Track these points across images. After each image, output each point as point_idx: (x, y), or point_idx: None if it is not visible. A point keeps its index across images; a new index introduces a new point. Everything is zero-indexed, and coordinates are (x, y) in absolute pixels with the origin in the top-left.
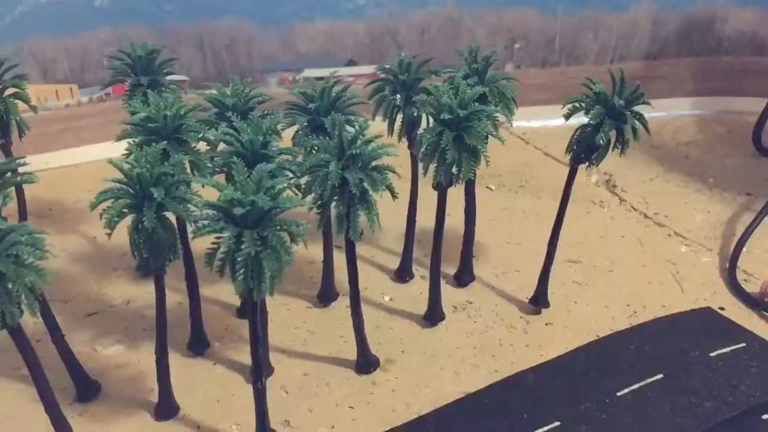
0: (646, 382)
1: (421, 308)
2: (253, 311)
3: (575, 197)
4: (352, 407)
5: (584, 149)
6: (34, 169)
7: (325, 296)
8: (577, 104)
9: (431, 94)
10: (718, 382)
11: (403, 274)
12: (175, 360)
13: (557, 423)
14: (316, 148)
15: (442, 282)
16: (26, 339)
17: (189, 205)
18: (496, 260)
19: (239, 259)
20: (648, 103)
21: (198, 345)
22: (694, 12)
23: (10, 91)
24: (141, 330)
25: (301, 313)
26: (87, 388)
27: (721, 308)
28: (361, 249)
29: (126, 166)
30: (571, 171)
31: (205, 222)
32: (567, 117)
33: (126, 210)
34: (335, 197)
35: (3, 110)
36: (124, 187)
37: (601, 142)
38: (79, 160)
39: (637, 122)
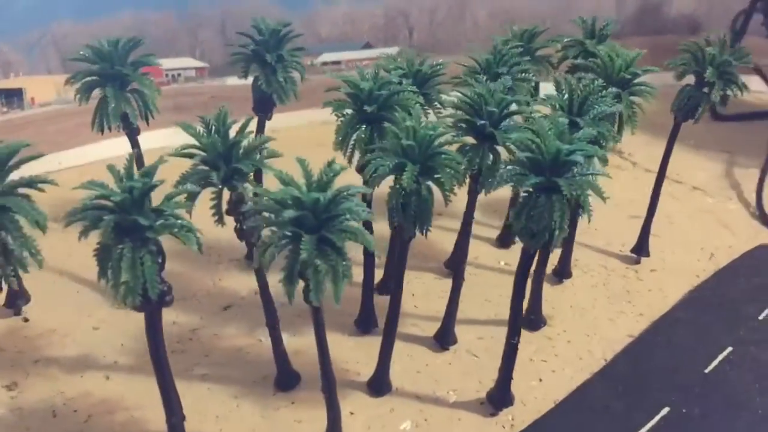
0: None
1: None
2: (527, 267)
3: None
4: (544, 360)
5: (692, 106)
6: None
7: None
8: (685, 65)
9: (548, 62)
10: None
11: (506, 241)
12: (346, 340)
13: (730, 348)
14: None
15: None
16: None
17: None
18: None
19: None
20: (749, 64)
21: (368, 322)
22: None
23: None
24: (294, 317)
25: (436, 284)
26: (290, 378)
27: None
28: (451, 223)
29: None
30: (676, 126)
31: (514, 171)
32: (679, 77)
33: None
34: None
35: (138, 93)
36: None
37: (716, 99)
38: (96, 157)
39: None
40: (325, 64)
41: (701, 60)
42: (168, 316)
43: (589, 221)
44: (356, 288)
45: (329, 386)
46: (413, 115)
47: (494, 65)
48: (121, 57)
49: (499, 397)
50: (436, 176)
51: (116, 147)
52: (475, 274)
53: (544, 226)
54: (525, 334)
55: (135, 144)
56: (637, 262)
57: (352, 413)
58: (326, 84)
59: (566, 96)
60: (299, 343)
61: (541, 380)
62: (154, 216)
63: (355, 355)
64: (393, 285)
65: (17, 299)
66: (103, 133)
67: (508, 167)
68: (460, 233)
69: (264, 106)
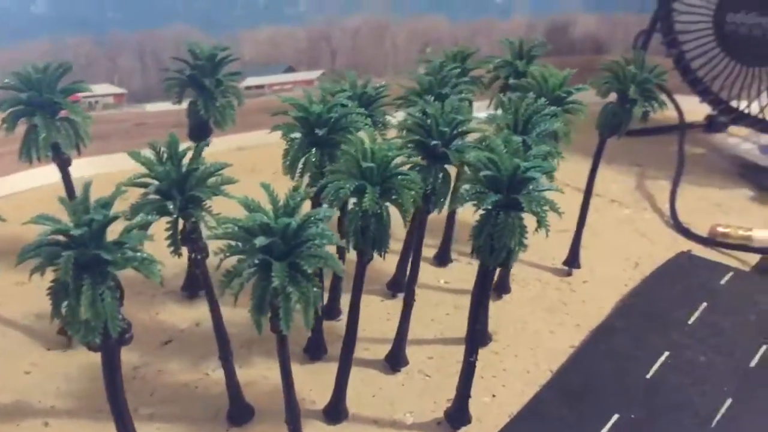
0: (700, 310)
1: None
2: (487, 283)
3: None
4: (494, 376)
5: (616, 123)
6: None
7: (396, 286)
8: (608, 84)
9: (480, 82)
10: (749, 300)
11: (444, 259)
12: (296, 368)
13: (667, 353)
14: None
15: (467, 260)
16: (289, 354)
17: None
18: None
19: (498, 229)
20: (663, 81)
21: (318, 349)
22: (557, 18)
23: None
24: (238, 348)
25: (381, 306)
26: (244, 411)
27: (689, 250)
28: (393, 245)
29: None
30: (602, 142)
31: (474, 190)
32: (603, 95)
33: (350, 190)
34: None
35: (69, 122)
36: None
37: (639, 115)
38: (21, 188)
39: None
40: (248, 88)
41: (623, 78)
42: None
43: (547, 235)
44: (300, 314)
45: (293, 417)
46: (368, 136)
47: (436, 86)
48: (50, 84)
49: (458, 416)
50: (393, 197)
51: (36, 178)
52: (416, 294)
53: (504, 243)
54: None
55: (66, 174)
56: (569, 274)
57: None
58: (252, 109)
59: (511, 115)
60: (249, 375)
61: (494, 396)
62: (115, 249)
63: (307, 383)
64: (349, 309)
65: None
66: (32, 163)
67: (466, 186)
68: (413, 254)
69: (201, 133)
